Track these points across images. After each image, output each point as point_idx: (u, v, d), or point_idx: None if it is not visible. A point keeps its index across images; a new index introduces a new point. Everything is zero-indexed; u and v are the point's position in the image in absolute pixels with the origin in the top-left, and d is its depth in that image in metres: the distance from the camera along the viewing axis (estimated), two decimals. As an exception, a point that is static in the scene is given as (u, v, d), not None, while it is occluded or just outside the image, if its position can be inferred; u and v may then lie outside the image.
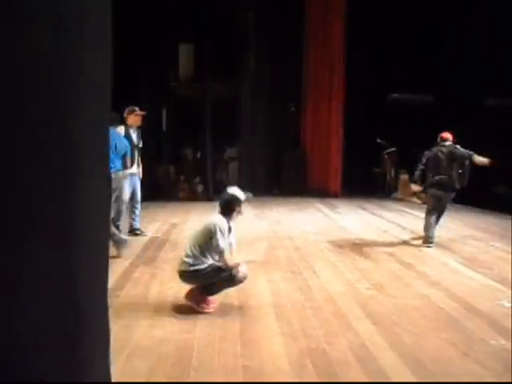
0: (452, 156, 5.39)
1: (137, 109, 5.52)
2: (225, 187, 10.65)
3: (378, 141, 10.26)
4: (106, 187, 1.68)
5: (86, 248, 1.42)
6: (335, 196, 9.84)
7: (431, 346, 2.93)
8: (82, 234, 1.39)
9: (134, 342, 2.85)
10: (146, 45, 9.38)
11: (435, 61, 10.22)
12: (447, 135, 5.65)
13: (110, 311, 1.64)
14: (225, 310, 3.42)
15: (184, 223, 6.82)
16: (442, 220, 5.73)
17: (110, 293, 1.71)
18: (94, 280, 1.48)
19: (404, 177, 10.29)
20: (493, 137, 10.45)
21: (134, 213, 5.75)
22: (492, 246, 5.73)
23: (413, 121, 10.97)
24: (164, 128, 10.58)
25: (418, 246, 5.61)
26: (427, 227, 5.51)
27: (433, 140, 10.53)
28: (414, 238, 5.94)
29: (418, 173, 5.67)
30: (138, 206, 5.74)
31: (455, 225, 7.09)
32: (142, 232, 5.82)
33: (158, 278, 4.17)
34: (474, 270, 4.61)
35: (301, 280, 4.17)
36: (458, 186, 5.38)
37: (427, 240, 5.45)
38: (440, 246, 5.59)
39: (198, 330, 3.07)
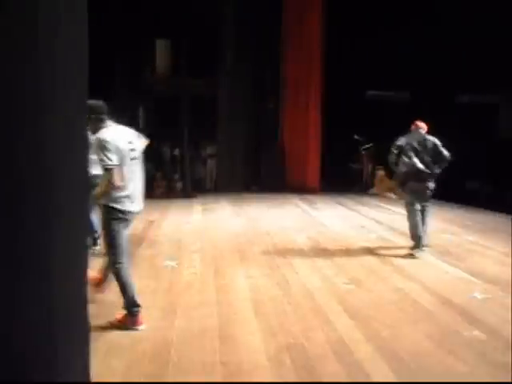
0: (426, 145, 5.08)
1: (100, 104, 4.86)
2: (203, 184, 10.57)
3: (356, 137, 10.36)
4: (83, 189, 1.64)
5: (62, 248, 1.40)
6: (314, 192, 9.89)
7: (407, 338, 2.99)
8: (58, 234, 1.37)
9: (110, 341, 2.81)
10: (121, 40, 9.22)
11: (411, 58, 10.38)
12: (422, 124, 5.36)
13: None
14: (203, 306, 3.41)
15: (162, 220, 6.74)
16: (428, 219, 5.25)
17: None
18: (71, 279, 1.46)
19: (381, 173, 10.44)
20: (464, 132, 10.70)
21: None
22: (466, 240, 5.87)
23: (389, 117, 11.13)
24: (141, 125, 10.44)
25: (401, 247, 5.23)
26: (414, 228, 4.98)
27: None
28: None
29: (393, 157, 5.38)
30: None
31: (429, 219, 7.21)
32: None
33: (135, 275, 4.10)
34: (449, 264, 4.71)
35: (279, 276, 4.18)
36: (436, 170, 5.02)
37: (418, 244, 4.94)
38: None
39: (175, 327, 3.04)
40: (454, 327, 3.17)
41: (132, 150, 3.12)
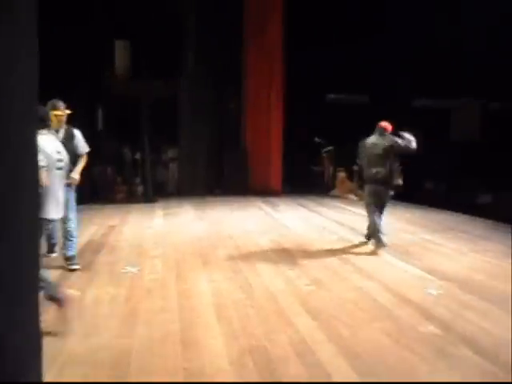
0: (390, 149, 5.05)
1: (61, 105, 4.19)
2: (165, 188, 10.42)
3: (316, 140, 10.53)
4: (34, 192, 1.60)
5: (13, 250, 1.35)
6: (276, 194, 9.97)
7: (366, 336, 3.06)
8: (7, 237, 1.34)
9: (67, 351, 2.71)
10: (81, 41, 8.96)
11: (370, 63, 10.68)
12: (386, 125, 5.22)
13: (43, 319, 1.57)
14: (164, 311, 3.35)
15: (123, 226, 6.60)
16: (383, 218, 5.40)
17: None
18: (22, 281, 1.42)
19: (341, 174, 10.65)
20: (420, 135, 11.07)
21: (67, 235, 4.31)
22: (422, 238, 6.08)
23: (349, 120, 11.41)
24: (100, 127, 10.19)
25: (362, 248, 5.37)
26: (373, 226, 5.10)
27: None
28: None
29: (356, 168, 5.47)
30: (72, 226, 4.31)
31: (387, 219, 7.42)
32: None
33: (95, 282, 4.00)
34: (406, 262, 4.86)
35: (242, 279, 4.18)
36: (397, 181, 5.09)
37: (380, 242, 5.06)
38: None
39: (136, 334, 2.98)
40: (410, 323, 3.27)
41: (59, 160, 3.33)
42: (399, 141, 5.06)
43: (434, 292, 3.91)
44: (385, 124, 5.22)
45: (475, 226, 7.09)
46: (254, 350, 2.80)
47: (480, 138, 11.90)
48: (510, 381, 2.53)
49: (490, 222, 7.40)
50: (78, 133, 4.45)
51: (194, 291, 3.81)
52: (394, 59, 10.65)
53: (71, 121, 4.50)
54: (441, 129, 12.44)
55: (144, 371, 2.52)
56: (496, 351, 2.87)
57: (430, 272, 4.50)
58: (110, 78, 9.97)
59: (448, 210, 8.33)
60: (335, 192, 10.51)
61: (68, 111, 4.30)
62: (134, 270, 4.37)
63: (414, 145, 5.08)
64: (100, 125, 10.23)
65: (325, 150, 10.68)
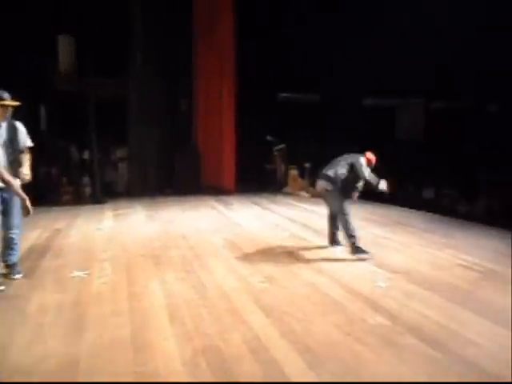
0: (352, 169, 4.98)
1: (6, 96, 3.83)
2: (114, 189, 10.12)
3: (268, 138, 10.62)
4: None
5: None
6: (229, 193, 9.97)
7: (318, 330, 3.12)
8: None
9: (9, 362, 2.57)
10: (24, 36, 8.49)
11: (321, 62, 10.91)
12: (371, 158, 5.12)
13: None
14: (114, 316, 3.26)
15: (69, 229, 6.34)
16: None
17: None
18: None
19: (293, 172, 10.83)
20: (370, 135, 11.50)
21: (8, 242, 3.98)
22: (371, 233, 6.29)
23: (300, 119, 11.61)
24: (43, 126, 9.73)
25: (313, 244, 5.46)
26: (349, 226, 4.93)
27: (318, 137, 11.28)
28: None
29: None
30: (15, 232, 3.99)
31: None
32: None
33: (39, 289, 3.82)
34: (356, 256, 5.00)
35: (195, 279, 4.14)
36: (350, 197, 5.12)
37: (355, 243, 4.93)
38: (325, 235, 5.96)
39: (84, 340, 2.88)
40: (360, 316, 3.38)
41: None
42: (366, 174, 4.99)
43: (383, 284, 4.06)
44: (370, 156, 5.17)
45: (420, 219, 7.44)
46: (208, 350, 2.79)
47: (424, 135, 12.48)
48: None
49: (433, 215, 7.80)
50: (20, 126, 4.07)
51: (145, 293, 3.73)
52: (344, 59, 10.94)
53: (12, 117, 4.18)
54: (388, 127, 12.96)
55: (93, 378, 2.43)
56: (438, 337, 3.03)
57: (379, 265, 4.67)
58: (54, 75, 9.54)
59: (395, 205, 8.67)
60: (287, 189, 10.67)
61: (16, 103, 3.92)
62: (81, 274, 4.22)
63: (377, 185, 5.03)
64: (43, 124, 9.77)
65: (277, 148, 10.80)
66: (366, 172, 4.98)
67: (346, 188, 5.04)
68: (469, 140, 10.29)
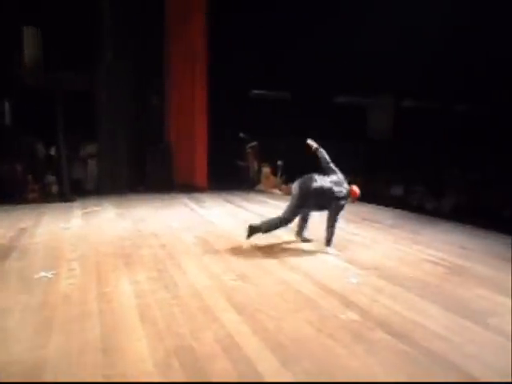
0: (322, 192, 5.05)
1: None
2: (84, 186, 9.85)
3: (241, 135, 10.60)
4: None
5: None
6: (202, 190, 9.90)
7: (290, 327, 3.14)
8: None
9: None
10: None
11: (292, 60, 10.97)
12: (356, 191, 5.25)
13: None
14: (83, 318, 3.18)
15: (35, 228, 6.14)
16: None
17: None
18: None
19: (266, 169, 10.85)
20: (339, 131, 11.64)
21: None
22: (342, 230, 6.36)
23: (273, 116, 11.65)
24: (7, 121, 9.38)
25: (286, 241, 5.51)
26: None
27: (291, 133, 11.34)
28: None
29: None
30: None
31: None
32: None
33: (3, 291, 3.68)
34: (327, 253, 5.06)
35: (167, 278, 4.09)
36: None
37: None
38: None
39: (51, 344, 2.78)
40: (332, 312, 3.42)
41: None
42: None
43: (354, 280, 4.13)
44: (355, 190, 5.26)
45: (388, 215, 7.60)
46: (180, 350, 2.76)
47: (393, 134, 12.74)
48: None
49: (400, 212, 7.98)
50: None
51: (115, 294, 3.65)
52: (316, 57, 11.03)
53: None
54: (358, 125, 13.16)
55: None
56: (407, 332, 3.10)
57: (350, 261, 4.74)
58: (19, 68, 9.20)
59: (364, 201, 8.81)
60: (260, 187, 10.68)
61: None
62: (48, 274, 4.09)
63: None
64: (8, 119, 9.42)
65: (249, 145, 10.79)
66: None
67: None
68: (437, 138, 10.57)
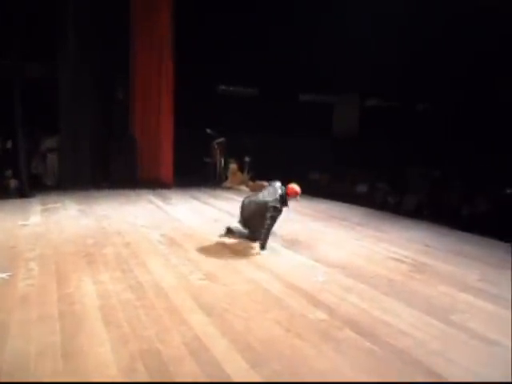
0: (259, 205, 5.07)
1: None
2: (43, 182, 9.46)
3: (208, 131, 10.47)
4: None
5: None
6: (168, 187, 9.72)
7: (259, 327, 3.10)
8: None
9: None
10: None
11: (260, 57, 10.93)
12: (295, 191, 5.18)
13: None
14: (42, 321, 3.02)
15: (-9, 225, 5.83)
16: None
17: None
18: None
19: (233, 166, 10.78)
20: (306, 128, 11.72)
21: None
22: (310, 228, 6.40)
23: (240, 112, 11.58)
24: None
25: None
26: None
27: (258, 129, 11.31)
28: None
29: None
30: None
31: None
32: None
33: (-46, 294, 3.46)
34: (294, 251, 5.07)
35: (131, 278, 3.97)
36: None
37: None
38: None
39: (7, 350, 2.63)
40: (300, 311, 3.41)
41: None
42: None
43: (321, 279, 4.14)
44: (293, 189, 5.20)
45: (354, 213, 7.71)
46: (146, 353, 2.67)
47: (358, 132, 12.95)
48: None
49: (366, 209, 8.12)
50: None
51: (77, 295, 3.50)
52: (284, 54, 11.04)
53: None
54: (325, 123, 13.30)
55: (17, 392, 2.24)
56: (374, 330, 3.14)
57: (317, 260, 4.76)
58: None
59: (330, 199, 8.93)
60: (227, 183, 10.60)
61: None
62: (4, 276, 3.88)
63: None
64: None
65: (216, 141, 10.67)
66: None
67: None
68: (399, 137, 10.81)
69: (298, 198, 5.26)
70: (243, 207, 5.40)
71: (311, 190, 9.56)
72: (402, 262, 4.85)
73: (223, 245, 5.21)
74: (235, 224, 5.58)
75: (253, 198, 5.33)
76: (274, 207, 4.99)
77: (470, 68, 9.45)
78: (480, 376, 2.60)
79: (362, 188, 10.03)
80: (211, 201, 8.46)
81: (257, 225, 5.09)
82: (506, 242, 5.73)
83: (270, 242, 5.32)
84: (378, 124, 11.91)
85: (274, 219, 5.04)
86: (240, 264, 4.53)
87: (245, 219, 5.35)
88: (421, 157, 10.11)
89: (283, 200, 5.10)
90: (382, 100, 13.22)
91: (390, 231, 6.34)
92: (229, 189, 10.20)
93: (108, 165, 9.76)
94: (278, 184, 5.26)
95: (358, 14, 10.05)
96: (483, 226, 6.41)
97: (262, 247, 4.98)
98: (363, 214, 7.66)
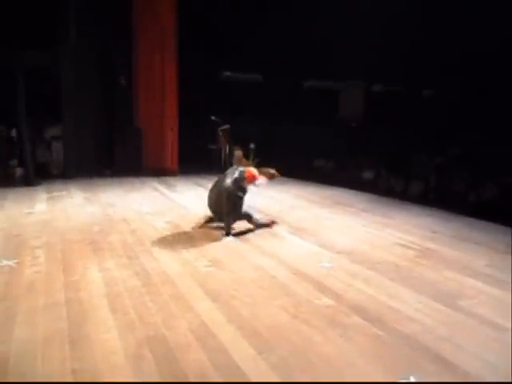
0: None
1: None
2: (49, 170, 9.51)
3: (212, 118, 10.39)
4: None
5: None
6: (173, 174, 9.71)
7: (265, 314, 3.10)
8: None
9: None
10: None
11: (265, 43, 10.80)
12: (251, 175, 5.21)
13: None
14: (49, 309, 3.03)
15: (-3, 213, 5.85)
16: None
17: None
18: None
19: (238, 153, 10.70)
20: (311, 115, 11.60)
21: None
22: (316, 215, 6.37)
23: (244, 98, 11.48)
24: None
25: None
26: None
27: (263, 116, 11.23)
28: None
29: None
30: None
31: (282, 197, 7.70)
32: None
33: (-39, 282, 3.47)
34: (301, 238, 5.05)
35: (137, 265, 3.97)
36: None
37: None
38: (270, 217, 5.98)
39: (15, 338, 2.64)
40: (306, 297, 3.40)
41: None
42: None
43: (328, 265, 4.12)
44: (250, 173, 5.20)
45: (360, 200, 7.66)
46: (152, 340, 2.67)
47: (363, 118, 12.83)
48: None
49: (372, 195, 8.07)
50: None
51: (83, 283, 3.51)
52: (288, 40, 10.90)
53: None
54: (330, 109, 13.17)
55: (24, 378, 2.24)
56: (381, 316, 3.12)
57: (323, 246, 4.74)
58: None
59: (336, 185, 8.88)
60: (232, 171, 10.55)
61: None
62: (10, 263, 3.89)
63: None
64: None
65: (221, 128, 10.59)
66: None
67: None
68: (405, 123, 10.70)
69: (260, 182, 5.17)
70: (209, 194, 5.29)
71: (317, 177, 9.53)
72: (409, 247, 4.81)
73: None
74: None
75: (217, 184, 5.21)
76: (229, 192, 4.92)
77: (480, 55, 9.30)
78: (488, 362, 2.58)
79: (367, 174, 9.96)
80: (216, 188, 8.42)
81: (220, 211, 5.03)
82: (513, 227, 5.67)
83: (276, 229, 5.31)
84: (384, 110, 11.79)
85: (233, 204, 4.94)
86: (245, 250, 4.52)
87: (210, 206, 5.22)
88: (427, 143, 10.01)
89: (238, 184, 5.01)
90: (387, 86, 13.06)
91: (396, 217, 6.30)
92: (234, 176, 10.15)
93: (112, 152, 9.75)
94: (240, 168, 5.18)
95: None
96: (490, 212, 6.35)
97: (226, 234, 4.92)
98: (369, 201, 7.61)
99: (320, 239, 5.00)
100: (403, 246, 4.88)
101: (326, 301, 3.34)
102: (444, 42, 9.89)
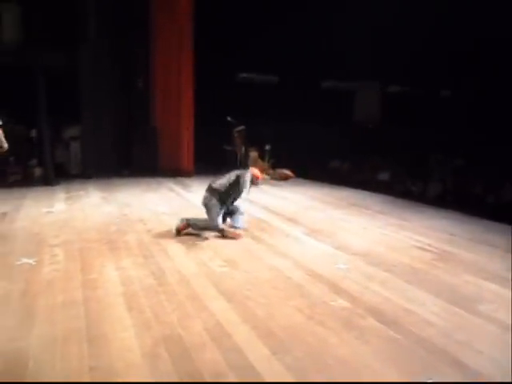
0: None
1: None
2: (67, 170, 9.63)
3: (228, 119, 10.43)
4: None
5: None
6: (188, 175, 9.76)
7: (280, 314, 3.09)
8: None
9: None
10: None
11: (281, 44, 10.80)
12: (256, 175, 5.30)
13: None
14: (67, 306, 3.08)
15: (17, 212, 5.96)
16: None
17: None
18: None
19: (254, 154, 10.72)
20: (327, 114, 11.54)
21: None
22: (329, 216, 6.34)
23: (260, 99, 11.49)
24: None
25: (275, 227, 5.51)
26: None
27: (278, 117, 11.21)
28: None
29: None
30: None
31: (298, 198, 7.68)
32: None
33: (-17, 279, 3.55)
34: (316, 239, 5.03)
35: (153, 264, 4.00)
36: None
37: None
38: (285, 218, 5.98)
39: (34, 334, 2.69)
40: (322, 298, 3.39)
41: None
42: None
43: (343, 266, 4.10)
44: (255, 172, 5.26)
45: (376, 201, 7.59)
46: (168, 339, 2.70)
47: (380, 119, 12.72)
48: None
49: (387, 197, 7.99)
50: None
51: (100, 281, 3.56)
52: (304, 41, 10.88)
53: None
54: (346, 111, 13.10)
55: (43, 375, 2.28)
56: (397, 318, 3.09)
57: (339, 247, 4.72)
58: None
59: (351, 187, 8.81)
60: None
61: None
62: (30, 261, 3.97)
63: None
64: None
65: (236, 129, 10.62)
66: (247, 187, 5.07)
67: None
68: (423, 124, 10.58)
69: (267, 176, 5.11)
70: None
71: (332, 178, 9.48)
72: (425, 250, 4.76)
73: (244, 231, 5.20)
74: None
75: (210, 185, 5.22)
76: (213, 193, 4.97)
77: (496, 53, 9.14)
78: (508, 368, 2.53)
79: (383, 176, 9.87)
80: (231, 189, 8.44)
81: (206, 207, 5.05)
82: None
83: (291, 229, 5.30)
84: (400, 111, 11.67)
85: (214, 206, 4.96)
86: (260, 251, 4.52)
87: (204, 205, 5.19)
88: (444, 144, 9.88)
89: (227, 189, 5.03)
90: (404, 87, 12.94)
91: (412, 219, 6.23)
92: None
93: (129, 153, 9.86)
94: (237, 172, 5.22)
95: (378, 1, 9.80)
96: (508, 215, 6.23)
97: (221, 233, 4.93)
98: (385, 202, 7.54)
99: (335, 241, 4.98)
100: (419, 248, 4.82)
101: (342, 302, 3.32)
102: (464, 42, 9.75)
